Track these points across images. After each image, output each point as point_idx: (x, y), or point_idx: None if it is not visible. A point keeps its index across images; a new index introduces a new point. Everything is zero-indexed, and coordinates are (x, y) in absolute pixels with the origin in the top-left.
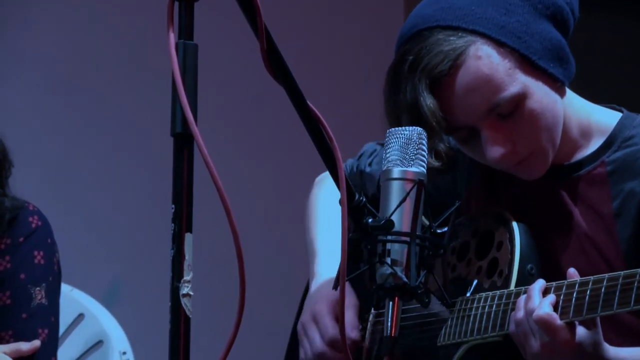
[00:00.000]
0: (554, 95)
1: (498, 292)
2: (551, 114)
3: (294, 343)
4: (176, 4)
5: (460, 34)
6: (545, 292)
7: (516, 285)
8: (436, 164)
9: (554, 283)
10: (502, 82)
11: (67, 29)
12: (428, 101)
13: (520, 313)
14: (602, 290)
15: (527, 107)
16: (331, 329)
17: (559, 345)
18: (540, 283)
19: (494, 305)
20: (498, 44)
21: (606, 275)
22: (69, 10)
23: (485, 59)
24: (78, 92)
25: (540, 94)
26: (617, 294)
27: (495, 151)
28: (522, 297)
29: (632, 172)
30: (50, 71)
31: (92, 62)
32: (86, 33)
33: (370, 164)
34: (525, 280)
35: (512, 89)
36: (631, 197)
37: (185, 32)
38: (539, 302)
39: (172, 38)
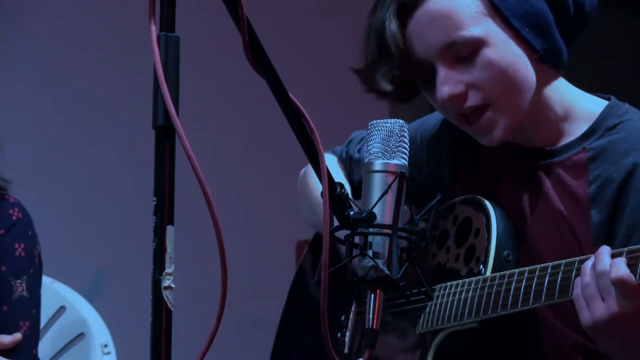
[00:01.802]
0: (524, 60)
1: (474, 278)
2: (514, 73)
3: (282, 332)
4: None
5: None
6: (613, 257)
7: (492, 272)
8: (388, 88)
9: (619, 249)
10: (464, 21)
11: (49, 22)
12: (392, 25)
13: (587, 277)
14: None
15: (485, 54)
16: None
17: (633, 306)
18: (607, 248)
19: (471, 291)
20: None
21: None
22: (52, 3)
23: None
24: (59, 85)
25: (504, 49)
26: None
27: (444, 90)
28: (588, 262)
29: (612, 160)
30: (31, 63)
31: (74, 54)
32: (68, 26)
33: (359, 150)
34: (502, 266)
35: (473, 31)
36: (608, 183)
37: (167, 24)
38: (609, 264)
39: (154, 30)
